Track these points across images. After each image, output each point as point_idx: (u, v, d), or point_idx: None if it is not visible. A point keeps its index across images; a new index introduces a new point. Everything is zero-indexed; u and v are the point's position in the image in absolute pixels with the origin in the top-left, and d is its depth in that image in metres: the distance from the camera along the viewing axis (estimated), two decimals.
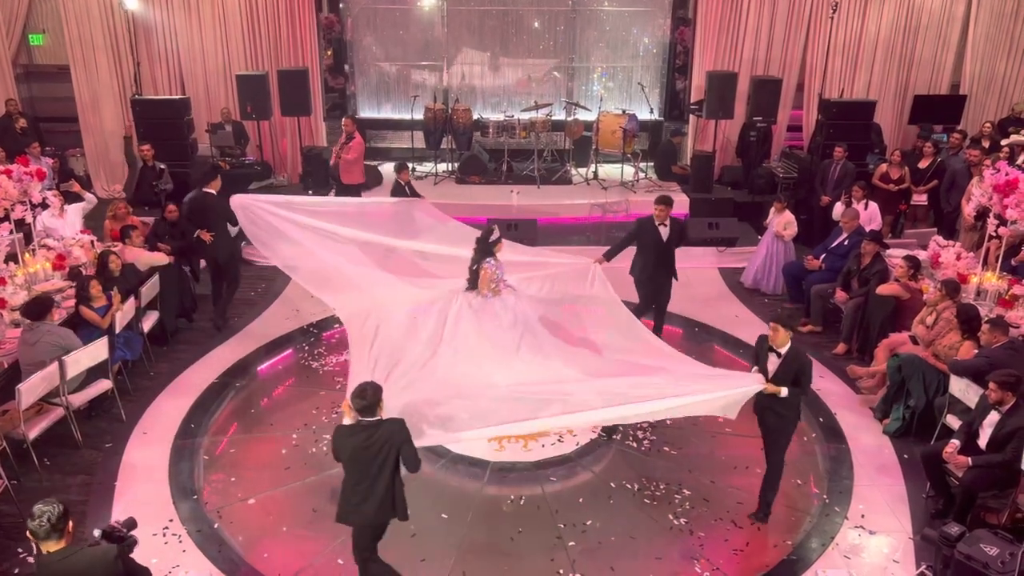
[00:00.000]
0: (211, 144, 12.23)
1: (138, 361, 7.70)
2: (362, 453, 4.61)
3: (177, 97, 12.20)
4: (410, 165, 12.92)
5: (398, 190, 9.92)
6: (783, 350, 5.45)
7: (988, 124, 12.12)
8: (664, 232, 7.73)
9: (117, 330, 7.18)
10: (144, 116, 11.52)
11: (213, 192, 8.44)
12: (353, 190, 11.20)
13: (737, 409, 5.43)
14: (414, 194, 9.86)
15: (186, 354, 8.15)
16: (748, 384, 5.45)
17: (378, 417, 4.62)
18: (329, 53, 13.45)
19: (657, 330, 7.81)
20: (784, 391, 5.41)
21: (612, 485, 6.20)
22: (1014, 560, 4.63)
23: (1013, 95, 13.58)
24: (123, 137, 12.01)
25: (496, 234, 6.61)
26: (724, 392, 5.44)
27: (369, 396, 4.58)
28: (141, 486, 6.07)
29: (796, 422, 5.71)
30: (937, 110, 12.99)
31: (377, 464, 4.61)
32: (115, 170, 13.02)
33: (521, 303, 6.64)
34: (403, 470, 4.71)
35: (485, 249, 6.56)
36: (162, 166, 10.86)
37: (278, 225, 7.25)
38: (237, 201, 7.45)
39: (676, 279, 7.99)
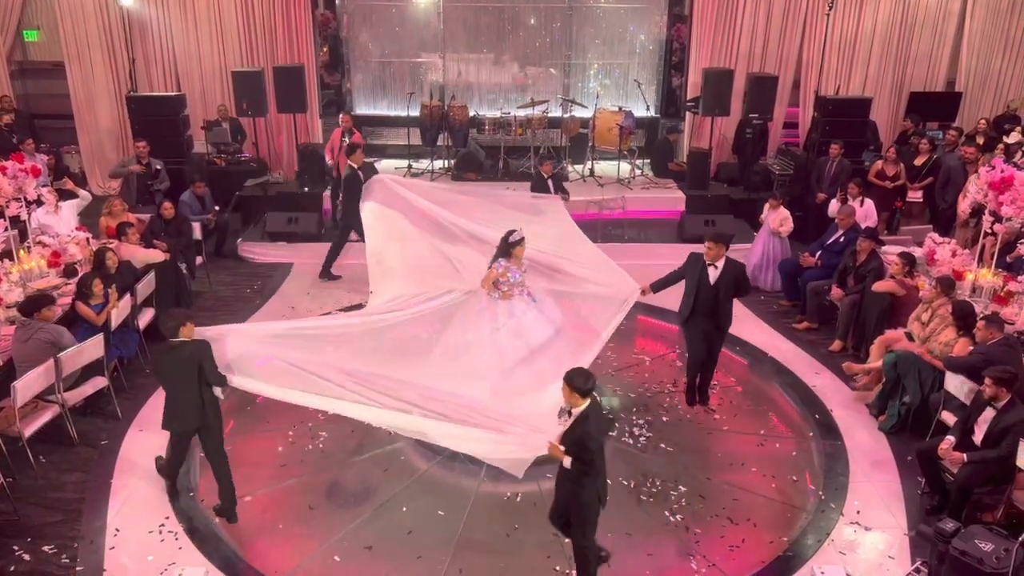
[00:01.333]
0: (207, 141, 12.20)
1: (134, 358, 7.68)
2: (172, 368, 5.52)
3: (172, 94, 12.18)
4: (408, 163, 12.99)
5: (540, 184, 9.66)
6: (574, 411, 4.63)
7: (983, 121, 12.15)
8: (713, 274, 6.66)
9: (113, 327, 7.17)
10: (139, 113, 11.49)
11: (355, 165, 9.42)
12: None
13: (522, 470, 5.16)
14: (559, 188, 9.59)
15: None
16: (534, 441, 5.00)
17: (182, 339, 5.49)
18: (325, 50, 13.42)
19: (704, 385, 7.18)
20: (567, 461, 4.61)
21: (608, 482, 6.18)
22: (1009, 556, 4.65)
23: (1008, 92, 13.62)
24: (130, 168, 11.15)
25: (517, 236, 6.52)
26: (509, 439, 5.23)
27: (176, 319, 5.60)
28: (137, 483, 6.05)
29: (586, 504, 4.75)
30: (933, 107, 13.02)
31: (182, 377, 5.46)
32: (110, 167, 12.98)
33: (529, 315, 6.59)
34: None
35: (503, 249, 6.54)
36: (158, 165, 10.81)
37: (406, 200, 7.31)
38: (377, 177, 7.71)
39: (724, 331, 6.92)
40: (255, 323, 6.62)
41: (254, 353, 5.80)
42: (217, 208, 10.57)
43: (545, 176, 9.72)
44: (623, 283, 7.02)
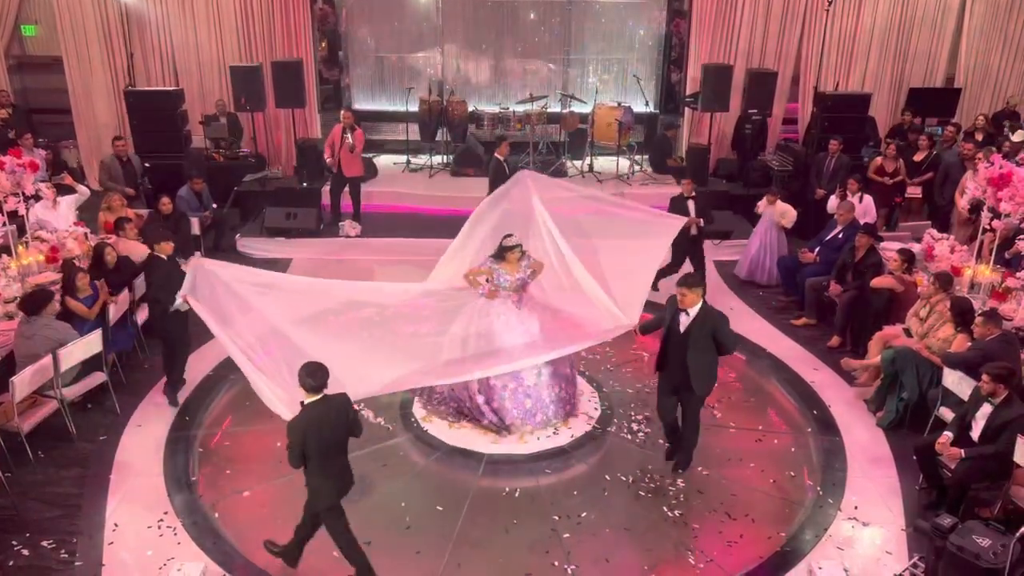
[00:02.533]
0: (205, 136, 12.18)
1: (132, 354, 7.68)
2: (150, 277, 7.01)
3: (171, 89, 12.14)
4: (406, 158, 12.98)
5: (679, 204, 8.96)
6: (304, 401, 4.72)
7: (981, 117, 12.14)
8: (684, 321, 5.76)
9: (111, 322, 7.16)
10: (137, 108, 11.43)
11: (500, 157, 10.37)
12: (355, 183, 11.16)
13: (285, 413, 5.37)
14: (701, 210, 8.97)
15: None
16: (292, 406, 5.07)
17: (158, 253, 6.75)
18: (323, 45, 13.40)
19: (682, 450, 6.26)
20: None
21: (607, 477, 6.21)
22: (1005, 551, 4.66)
23: (1007, 88, 13.63)
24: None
25: (510, 241, 6.45)
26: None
27: (154, 236, 6.79)
28: (136, 479, 6.06)
29: (310, 491, 4.87)
30: (932, 103, 13.02)
31: (149, 287, 7.00)
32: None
33: (502, 319, 6.52)
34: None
35: (497, 251, 6.53)
36: (147, 164, 10.71)
37: (532, 194, 7.07)
38: (523, 172, 7.45)
39: (699, 392, 5.89)
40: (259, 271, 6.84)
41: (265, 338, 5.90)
42: (216, 207, 10.55)
43: (685, 196, 8.98)
44: (631, 315, 6.62)
